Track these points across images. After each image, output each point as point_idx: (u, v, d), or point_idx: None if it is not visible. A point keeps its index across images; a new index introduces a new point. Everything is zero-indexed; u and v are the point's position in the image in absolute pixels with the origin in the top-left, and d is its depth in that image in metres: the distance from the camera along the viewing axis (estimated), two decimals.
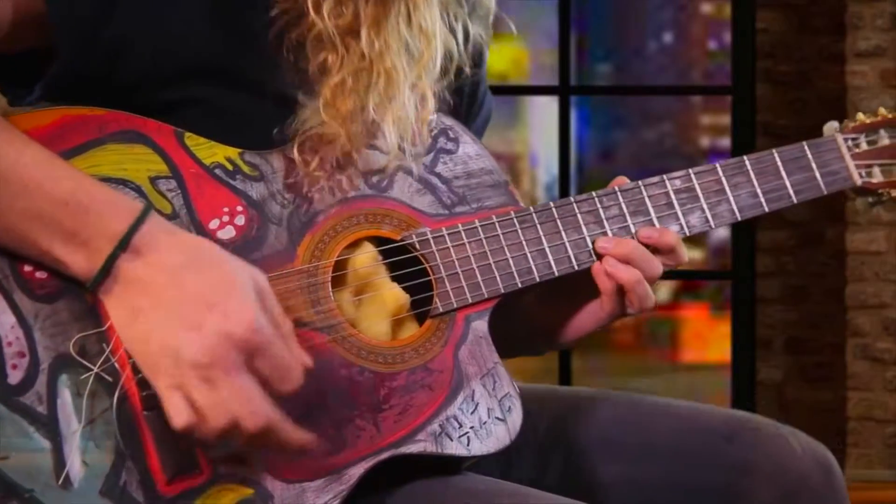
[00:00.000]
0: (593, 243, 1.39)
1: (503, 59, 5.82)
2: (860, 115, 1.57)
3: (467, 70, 1.40)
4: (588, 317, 1.43)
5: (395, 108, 1.31)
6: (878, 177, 1.54)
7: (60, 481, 1.17)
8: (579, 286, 1.42)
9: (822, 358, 5.39)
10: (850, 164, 1.52)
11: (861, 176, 1.53)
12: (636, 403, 1.53)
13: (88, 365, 1.19)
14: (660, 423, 1.49)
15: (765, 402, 5.35)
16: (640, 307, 1.39)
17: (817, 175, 1.50)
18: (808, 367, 5.43)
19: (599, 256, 1.39)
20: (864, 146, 1.54)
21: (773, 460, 1.43)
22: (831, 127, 1.55)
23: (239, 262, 1.20)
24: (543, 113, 5.81)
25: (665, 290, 6.18)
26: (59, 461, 1.17)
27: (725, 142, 5.76)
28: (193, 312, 1.14)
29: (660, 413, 1.51)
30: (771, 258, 5.41)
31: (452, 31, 1.38)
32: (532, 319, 1.47)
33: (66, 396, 1.18)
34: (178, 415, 1.15)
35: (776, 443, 1.45)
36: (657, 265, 1.40)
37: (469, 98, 1.49)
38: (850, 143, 1.53)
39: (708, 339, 6.25)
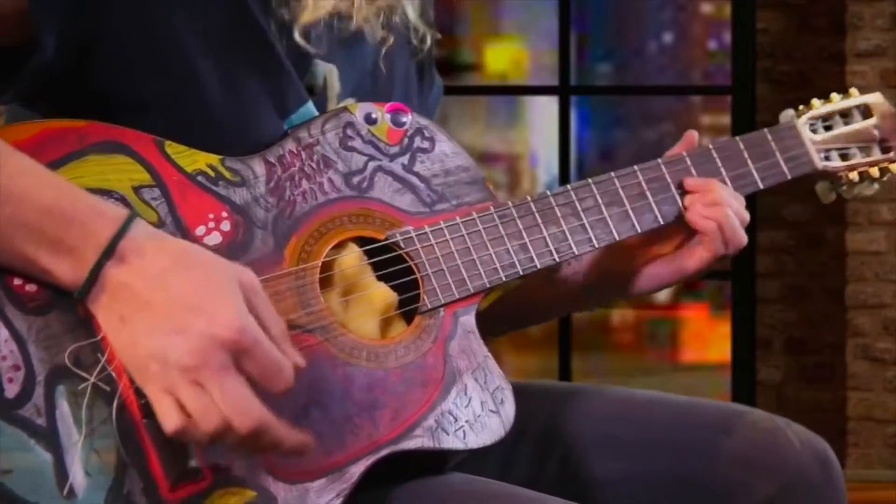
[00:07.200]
0: (681, 183, 1.48)
1: (503, 59, 5.82)
2: (815, 102, 1.63)
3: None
4: (690, 262, 1.51)
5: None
6: (836, 160, 1.60)
7: (65, 493, 1.16)
8: (670, 233, 1.50)
9: (822, 358, 5.39)
10: (811, 148, 1.58)
11: (821, 160, 1.58)
12: (632, 398, 1.54)
13: (84, 375, 1.18)
14: (656, 418, 1.50)
15: (765, 402, 5.35)
16: (736, 243, 1.49)
17: (780, 160, 1.55)
18: (808, 367, 5.43)
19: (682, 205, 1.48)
20: (822, 132, 1.60)
21: (770, 454, 1.44)
22: (788, 114, 1.61)
23: (224, 263, 1.18)
24: (543, 113, 5.80)
25: (665, 290, 6.16)
26: (62, 473, 1.16)
27: None
28: (178, 315, 1.13)
29: (656, 407, 1.52)
30: (771, 258, 5.41)
31: None
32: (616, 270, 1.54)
33: (64, 408, 1.17)
34: (169, 419, 1.14)
35: (774, 436, 1.46)
36: (739, 206, 1.49)
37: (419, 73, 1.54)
38: (808, 129, 1.58)
39: (708, 339, 6.24)
